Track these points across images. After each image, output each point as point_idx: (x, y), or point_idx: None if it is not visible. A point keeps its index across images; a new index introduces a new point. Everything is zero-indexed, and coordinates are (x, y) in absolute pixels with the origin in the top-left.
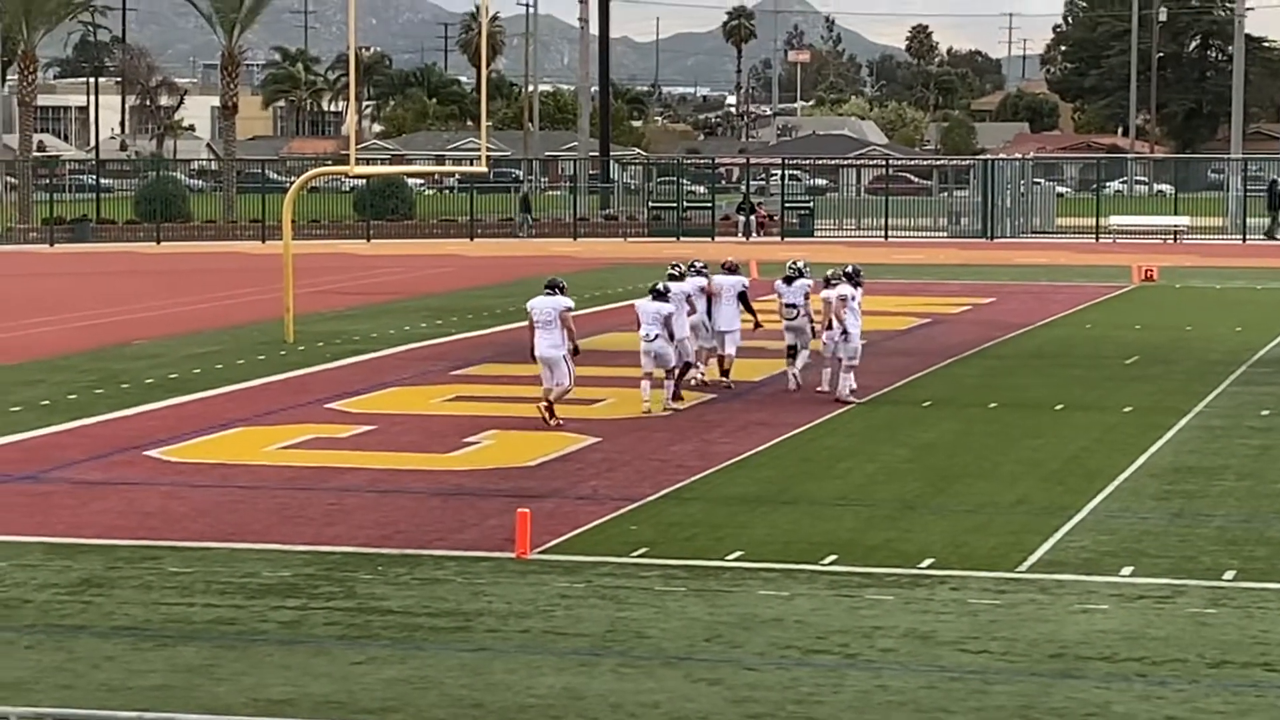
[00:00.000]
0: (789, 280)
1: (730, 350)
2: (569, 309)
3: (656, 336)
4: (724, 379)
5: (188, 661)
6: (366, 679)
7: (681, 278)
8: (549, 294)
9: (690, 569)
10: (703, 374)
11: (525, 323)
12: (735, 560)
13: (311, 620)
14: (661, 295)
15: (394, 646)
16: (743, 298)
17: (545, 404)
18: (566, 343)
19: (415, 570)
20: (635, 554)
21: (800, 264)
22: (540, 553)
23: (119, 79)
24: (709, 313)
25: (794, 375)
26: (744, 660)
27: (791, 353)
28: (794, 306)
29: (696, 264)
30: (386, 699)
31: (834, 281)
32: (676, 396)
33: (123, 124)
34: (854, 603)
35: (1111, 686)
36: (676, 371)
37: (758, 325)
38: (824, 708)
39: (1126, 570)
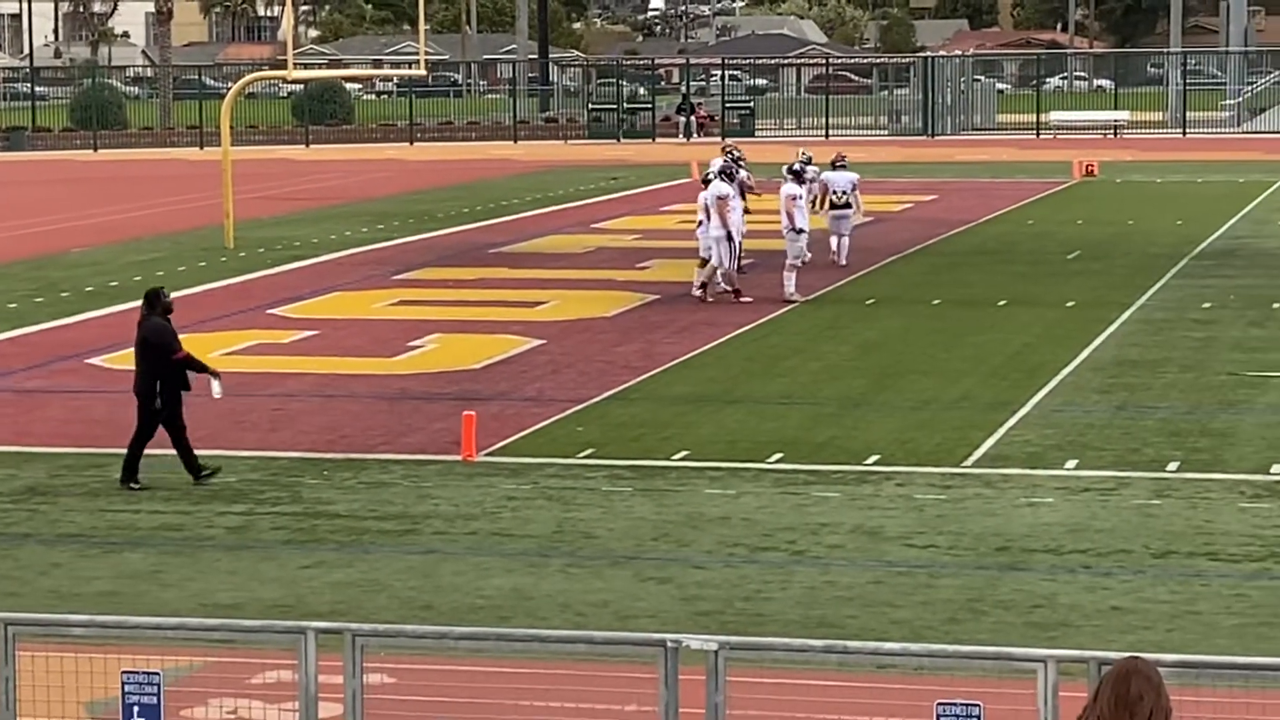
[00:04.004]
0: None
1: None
2: (719, 196)
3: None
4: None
5: (134, 567)
6: (314, 582)
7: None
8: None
9: (637, 469)
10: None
11: (469, 226)
12: (681, 459)
13: (258, 525)
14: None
15: (341, 550)
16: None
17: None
18: (719, 228)
19: (361, 474)
20: (582, 455)
21: (806, 154)
22: (487, 455)
23: None
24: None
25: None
26: (692, 559)
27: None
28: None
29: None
30: (335, 602)
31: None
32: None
33: (56, 31)
34: (800, 500)
35: (1057, 578)
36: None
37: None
38: (772, 604)
39: (1071, 463)
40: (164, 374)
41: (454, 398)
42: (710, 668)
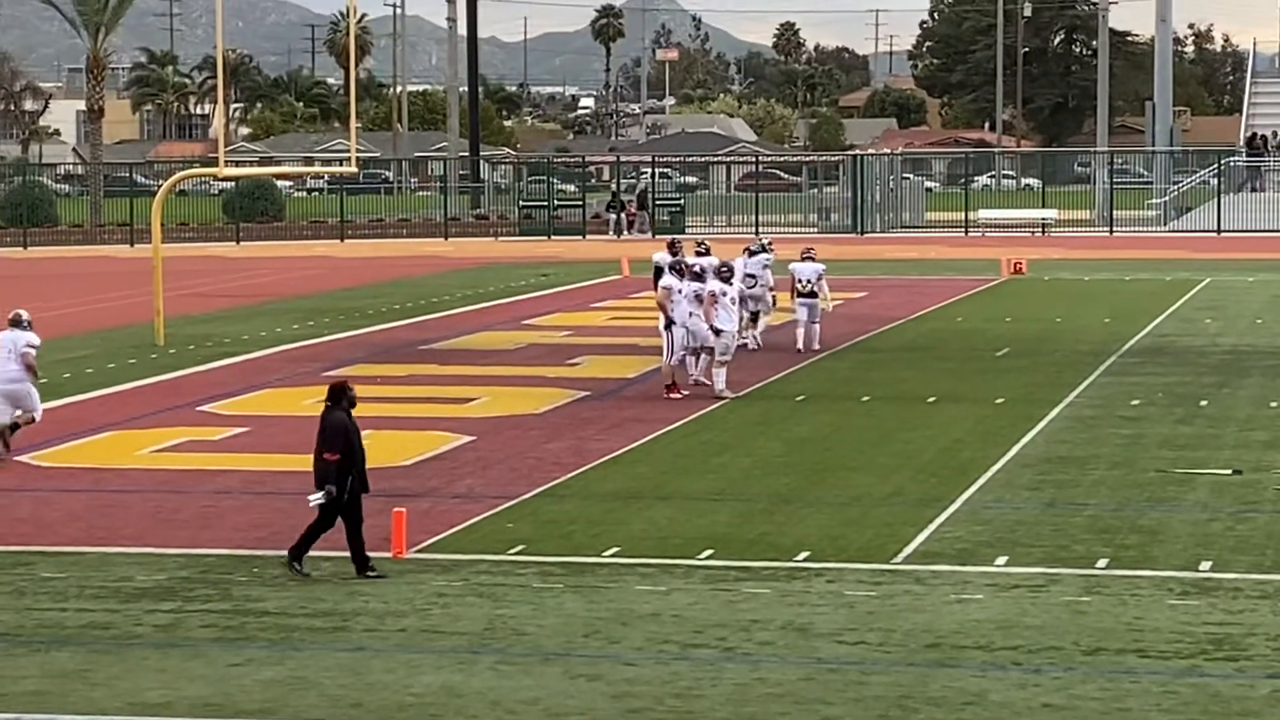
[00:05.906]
0: (752, 254)
1: None
2: (664, 287)
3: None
4: None
5: (62, 667)
6: (244, 680)
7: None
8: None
9: (567, 566)
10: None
11: (400, 323)
12: (612, 556)
13: (187, 623)
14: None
15: (271, 648)
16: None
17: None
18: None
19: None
20: (512, 551)
21: (765, 241)
22: (417, 552)
23: None
24: None
25: (754, 337)
26: (622, 655)
27: (754, 318)
28: (753, 277)
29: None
30: (264, 700)
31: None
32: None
33: None
34: (731, 597)
35: (988, 675)
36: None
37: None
38: (703, 701)
39: (1001, 560)
40: (348, 465)
41: (384, 494)
42: None
